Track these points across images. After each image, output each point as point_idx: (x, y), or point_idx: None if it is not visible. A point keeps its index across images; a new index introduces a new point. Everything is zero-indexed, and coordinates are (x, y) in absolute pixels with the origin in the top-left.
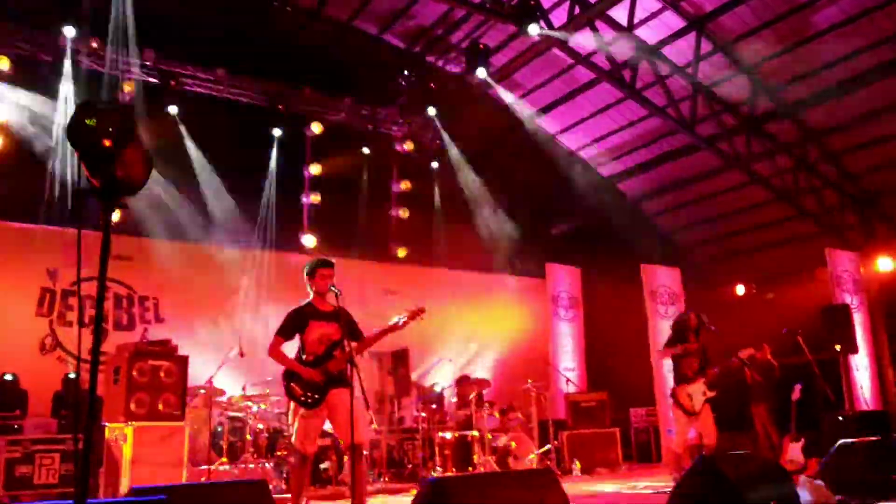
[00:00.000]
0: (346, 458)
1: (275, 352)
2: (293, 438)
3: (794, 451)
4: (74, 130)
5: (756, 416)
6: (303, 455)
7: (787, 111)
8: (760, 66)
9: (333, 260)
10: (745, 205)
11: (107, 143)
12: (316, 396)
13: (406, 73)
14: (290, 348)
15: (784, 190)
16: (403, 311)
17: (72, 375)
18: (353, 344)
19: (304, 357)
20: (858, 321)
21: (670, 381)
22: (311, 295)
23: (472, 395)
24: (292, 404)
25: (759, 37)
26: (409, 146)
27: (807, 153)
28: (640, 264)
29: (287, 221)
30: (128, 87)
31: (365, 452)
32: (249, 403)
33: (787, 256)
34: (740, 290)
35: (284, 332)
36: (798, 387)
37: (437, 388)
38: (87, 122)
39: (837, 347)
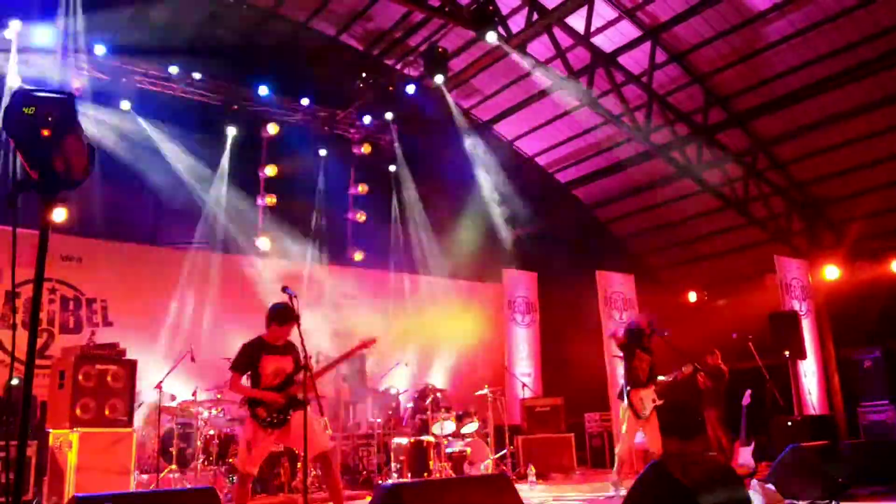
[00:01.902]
0: (299, 464)
1: (236, 386)
2: (237, 459)
3: (744, 455)
4: (11, 119)
5: (707, 421)
6: (245, 475)
7: (737, 120)
8: (713, 76)
9: (288, 262)
10: (698, 212)
11: (45, 132)
12: (281, 417)
13: (364, 75)
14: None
15: (734, 198)
16: (357, 339)
17: (14, 382)
18: (309, 373)
19: (260, 388)
20: (806, 327)
21: (620, 383)
22: (267, 330)
23: (429, 401)
24: (251, 427)
25: (712, 47)
26: (366, 149)
27: (756, 162)
28: (595, 270)
29: (241, 224)
30: (77, 83)
31: None
32: (200, 409)
33: (737, 263)
34: (692, 296)
35: (239, 367)
36: (748, 392)
37: (393, 393)
38: (25, 110)
39: (786, 353)
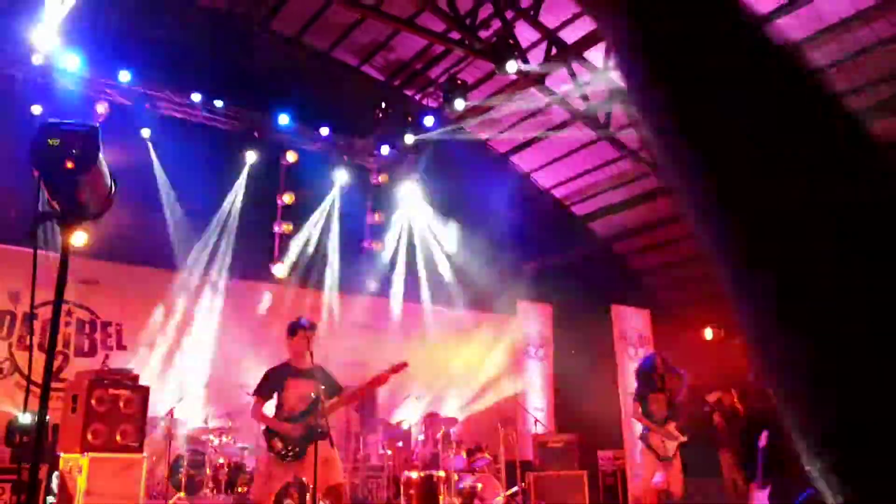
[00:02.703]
0: (308, 496)
1: (256, 413)
2: (253, 488)
3: (760, 499)
4: (37, 150)
5: (722, 462)
6: None
7: None
8: None
9: (304, 290)
10: None
11: (69, 164)
12: (297, 450)
13: (384, 105)
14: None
15: None
16: (387, 363)
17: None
18: (332, 401)
19: (282, 415)
20: None
21: (638, 425)
22: (289, 352)
23: (440, 434)
24: (267, 458)
25: None
26: (383, 178)
27: None
28: (611, 305)
29: (257, 250)
30: (100, 109)
31: None
32: (211, 436)
33: None
34: (709, 333)
35: (262, 393)
36: (765, 433)
37: (405, 426)
38: (50, 142)
39: None
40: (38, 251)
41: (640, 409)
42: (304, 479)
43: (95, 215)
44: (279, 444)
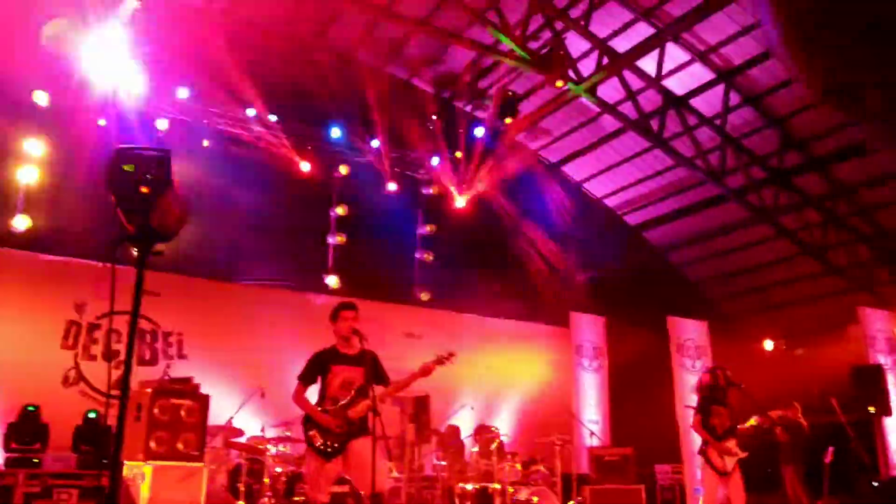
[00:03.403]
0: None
1: (298, 398)
2: (306, 488)
3: None
4: (113, 176)
5: (785, 478)
6: None
7: (817, 164)
8: (791, 118)
9: (355, 302)
10: (774, 258)
11: (144, 190)
12: (335, 446)
13: (434, 117)
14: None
15: (812, 244)
16: (433, 353)
17: (91, 415)
18: (379, 390)
19: (324, 403)
20: (892, 382)
21: (697, 438)
22: (336, 338)
23: (494, 446)
24: (306, 453)
25: (789, 90)
26: (434, 190)
27: (836, 207)
28: (667, 316)
29: (311, 261)
30: (161, 125)
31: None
32: (269, 446)
33: (816, 313)
34: (769, 345)
35: (305, 378)
36: (831, 449)
37: (459, 436)
38: (125, 167)
39: (871, 409)
40: (102, 264)
41: (700, 422)
42: (349, 478)
43: (169, 236)
44: (318, 439)
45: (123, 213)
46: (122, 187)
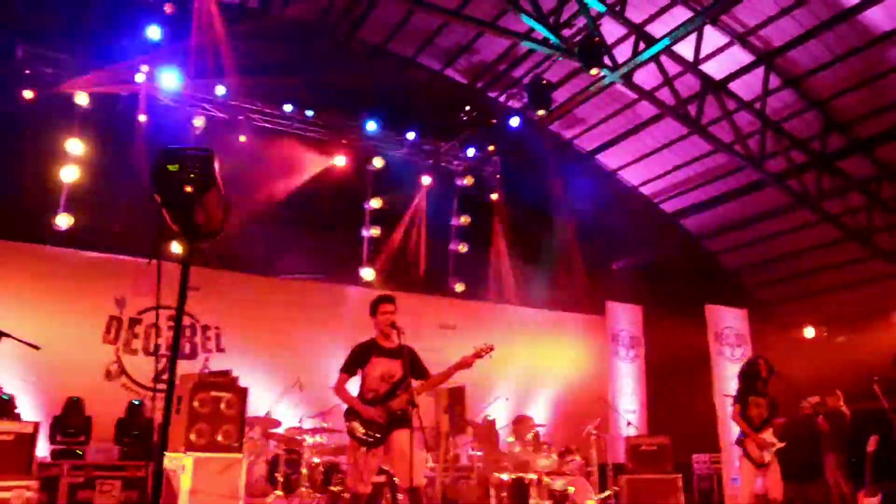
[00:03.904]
0: (400, 496)
1: (339, 389)
2: (347, 477)
3: None
4: (157, 176)
5: (827, 466)
6: (356, 495)
7: (860, 147)
8: (832, 100)
9: (391, 293)
10: (815, 244)
11: (188, 189)
12: (377, 436)
13: (468, 108)
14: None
15: (856, 229)
16: (471, 347)
17: (136, 402)
18: (417, 383)
19: (364, 394)
20: None
21: (735, 428)
22: (375, 331)
23: (530, 436)
24: (350, 444)
25: (831, 71)
26: (468, 181)
27: (881, 190)
28: (705, 304)
29: (347, 254)
30: (198, 123)
31: None
32: (306, 437)
33: (860, 298)
34: (810, 332)
35: (348, 369)
36: (874, 437)
37: (493, 426)
38: (170, 167)
39: None
40: (140, 259)
41: (739, 412)
42: (389, 469)
43: (212, 234)
44: (360, 429)
45: (168, 212)
46: (166, 187)
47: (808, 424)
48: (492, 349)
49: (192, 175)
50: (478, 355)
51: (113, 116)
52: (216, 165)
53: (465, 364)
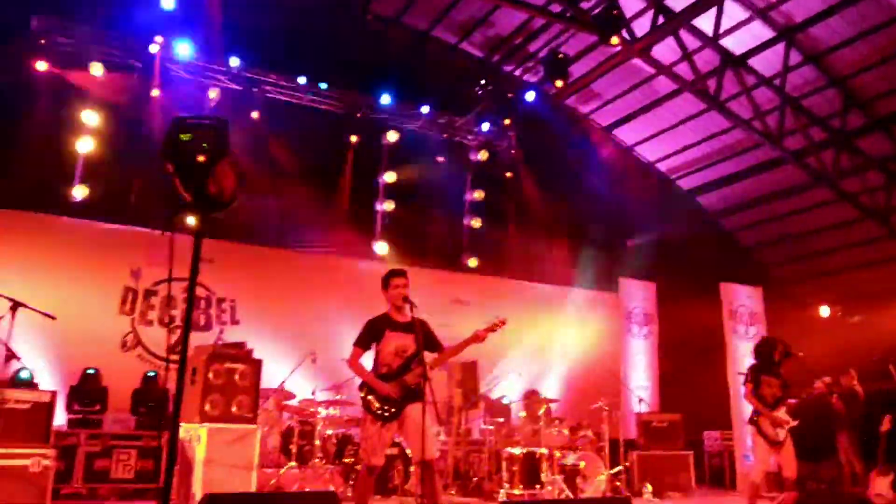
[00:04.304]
0: (412, 468)
1: (354, 364)
2: (361, 450)
3: (881, 485)
4: (169, 146)
5: (840, 446)
6: (370, 467)
7: (880, 125)
8: (853, 78)
9: (404, 267)
10: (833, 222)
11: (201, 158)
12: (393, 410)
13: (483, 82)
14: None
15: (874, 208)
16: (483, 322)
17: (151, 374)
18: (430, 357)
19: (378, 368)
20: None
21: (747, 406)
22: (388, 305)
23: (542, 411)
24: (364, 416)
25: (852, 48)
26: (483, 156)
27: None
28: (719, 282)
29: (361, 228)
30: (212, 94)
31: None
32: (319, 409)
33: (876, 278)
34: (825, 311)
35: (362, 343)
36: (888, 417)
37: (505, 402)
38: (182, 137)
39: None
40: (156, 231)
41: (752, 391)
42: (402, 442)
43: (225, 204)
44: (375, 403)
45: (181, 182)
46: (179, 156)
47: (822, 404)
48: (504, 323)
49: (204, 144)
50: (491, 329)
51: (128, 87)
52: (229, 135)
53: (478, 338)
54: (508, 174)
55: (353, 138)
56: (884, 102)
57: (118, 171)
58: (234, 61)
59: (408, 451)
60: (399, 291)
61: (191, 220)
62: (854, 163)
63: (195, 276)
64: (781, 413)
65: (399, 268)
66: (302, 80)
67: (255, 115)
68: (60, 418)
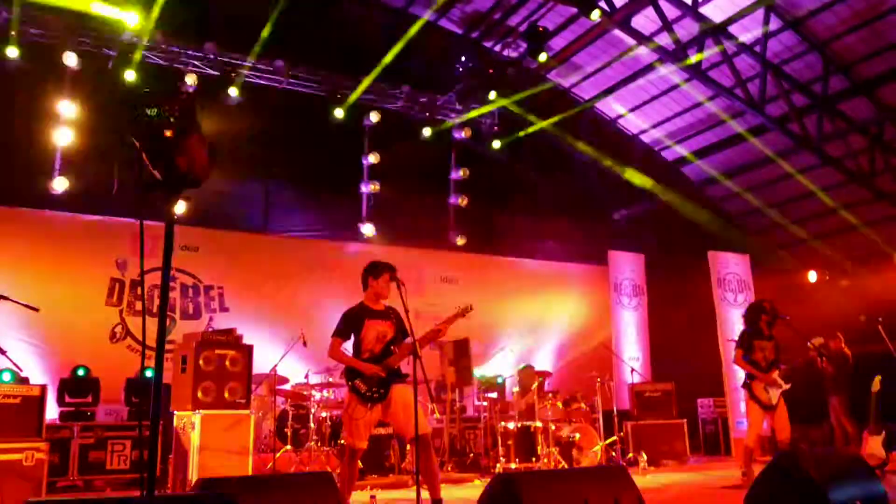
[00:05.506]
0: (408, 447)
1: (335, 352)
2: (346, 434)
3: (873, 445)
4: (135, 121)
5: (831, 408)
6: (354, 451)
7: (862, 89)
8: (833, 42)
9: (392, 248)
10: (818, 188)
11: (168, 133)
12: (381, 391)
13: (463, 59)
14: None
15: (859, 172)
16: (453, 308)
17: (148, 373)
18: (405, 343)
19: (362, 355)
20: None
21: (739, 372)
22: (365, 294)
23: (535, 385)
24: (350, 401)
25: (832, 12)
26: (466, 133)
27: (883, 132)
28: (707, 251)
29: (346, 210)
30: (189, 80)
31: None
32: (313, 392)
33: (862, 241)
34: (812, 276)
35: (342, 333)
36: (878, 378)
37: (499, 379)
38: (148, 112)
39: None
40: (144, 221)
41: (742, 356)
42: (390, 423)
43: (196, 182)
44: (362, 385)
45: (149, 159)
46: (145, 132)
47: (811, 367)
48: (470, 309)
49: (171, 119)
50: (459, 315)
51: (102, 76)
52: (203, 118)
53: (439, 332)
54: (493, 150)
55: (335, 120)
56: (864, 66)
57: (98, 161)
58: (210, 46)
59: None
60: (387, 287)
61: (163, 201)
62: (837, 127)
63: (169, 259)
64: (774, 376)
65: (394, 266)
66: (280, 63)
67: (233, 98)
68: (53, 412)
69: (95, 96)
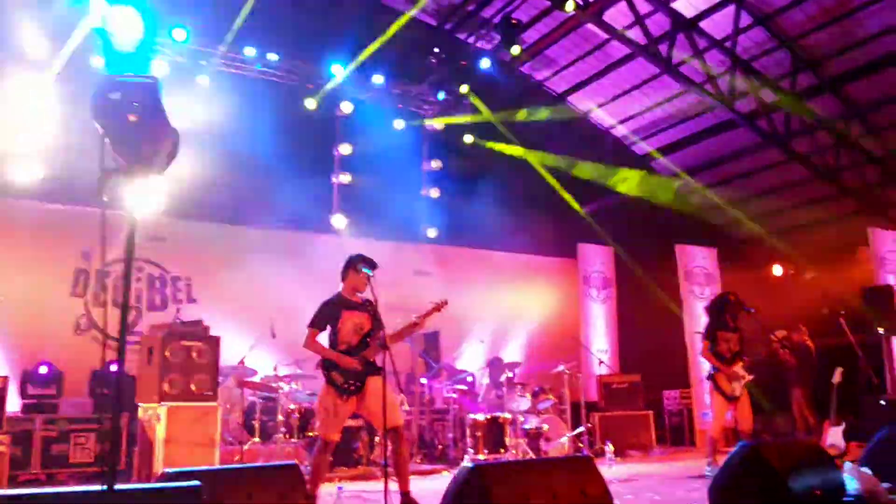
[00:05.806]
0: (377, 438)
1: (312, 344)
2: (320, 426)
3: (834, 436)
4: (98, 105)
5: (793, 400)
6: (327, 443)
7: (829, 86)
8: (802, 39)
9: (363, 240)
10: (784, 183)
11: (132, 118)
12: (358, 384)
13: (437, 50)
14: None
15: (825, 168)
16: (427, 302)
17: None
18: (385, 332)
19: (338, 346)
20: None
21: (705, 364)
22: (342, 286)
23: (503, 377)
24: (327, 393)
25: (800, 9)
26: (439, 125)
27: (849, 129)
28: (675, 244)
29: (317, 202)
30: (159, 67)
31: None
32: (281, 384)
33: (827, 236)
34: (778, 270)
35: (318, 324)
36: (839, 370)
37: (468, 369)
38: (111, 96)
39: (881, 330)
40: (109, 210)
41: (708, 348)
42: (369, 419)
43: (160, 168)
44: (339, 378)
45: (112, 144)
46: (108, 116)
47: (775, 359)
48: (445, 304)
49: (135, 103)
50: (435, 309)
51: (70, 63)
52: (161, 94)
53: (417, 325)
54: (465, 142)
55: (306, 111)
56: (833, 63)
57: (66, 151)
58: (180, 33)
59: (375, 427)
60: (365, 285)
61: (125, 187)
62: (804, 123)
63: (132, 248)
64: (738, 368)
65: (373, 261)
66: (251, 51)
67: (205, 82)
68: (15, 404)
69: (64, 84)
